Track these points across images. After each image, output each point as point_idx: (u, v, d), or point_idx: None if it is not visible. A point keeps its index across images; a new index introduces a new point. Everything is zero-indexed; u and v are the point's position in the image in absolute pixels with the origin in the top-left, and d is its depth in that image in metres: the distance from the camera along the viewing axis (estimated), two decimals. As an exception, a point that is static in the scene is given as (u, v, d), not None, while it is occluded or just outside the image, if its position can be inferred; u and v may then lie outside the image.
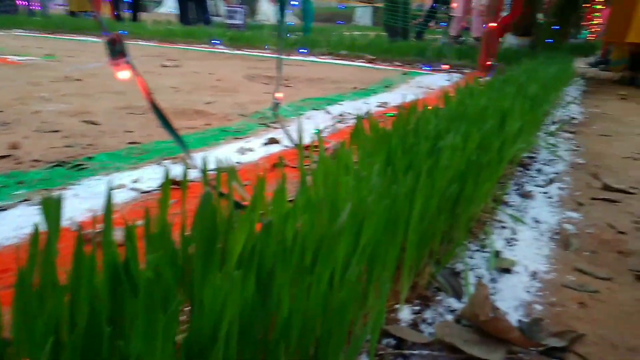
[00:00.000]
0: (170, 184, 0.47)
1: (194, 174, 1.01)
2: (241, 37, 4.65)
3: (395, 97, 2.18)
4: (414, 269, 0.59)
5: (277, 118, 1.60)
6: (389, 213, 0.47)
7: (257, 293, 0.31)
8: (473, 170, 0.68)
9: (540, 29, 3.48)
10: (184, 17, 6.47)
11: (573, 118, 1.93)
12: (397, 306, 0.57)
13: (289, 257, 0.33)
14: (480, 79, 2.99)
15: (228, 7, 6.63)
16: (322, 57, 3.96)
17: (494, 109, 1.03)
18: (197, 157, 1.12)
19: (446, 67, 3.42)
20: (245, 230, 0.36)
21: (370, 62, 3.72)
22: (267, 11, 10.41)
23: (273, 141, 1.35)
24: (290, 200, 0.52)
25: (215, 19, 7.70)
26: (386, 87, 2.54)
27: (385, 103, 2.02)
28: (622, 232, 0.87)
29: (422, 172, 0.59)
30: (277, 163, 1.16)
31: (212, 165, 0.96)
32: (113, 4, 6.90)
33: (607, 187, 1.11)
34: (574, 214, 0.94)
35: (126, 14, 7.55)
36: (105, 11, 7.14)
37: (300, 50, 4.05)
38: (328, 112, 1.79)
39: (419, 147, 0.69)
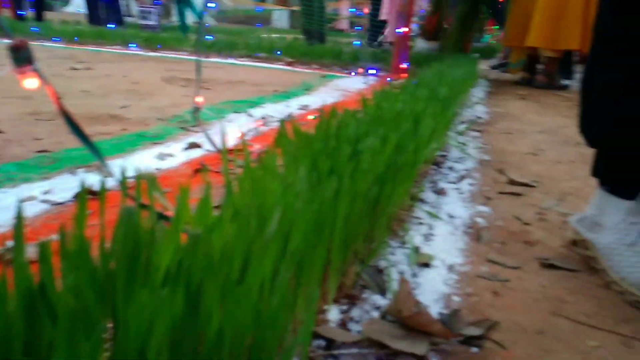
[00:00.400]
0: (86, 195, 0.45)
1: (110, 183, 0.96)
2: (156, 39, 4.48)
3: (315, 100, 2.21)
4: (340, 270, 0.61)
5: (198, 122, 1.56)
6: (316, 218, 0.48)
7: (186, 309, 0.30)
8: (392, 171, 0.71)
9: (447, 34, 3.68)
10: (93, 17, 6.12)
11: (479, 117, 2.06)
12: (325, 307, 0.58)
13: (217, 269, 0.32)
14: (395, 82, 3.11)
15: (141, 7, 6.36)
16: (241, 59, 3.92)
17: (408, 112, 1.08)
18: (113, 164, 1.06)
19: (362, 70, 3.51)
20: (171, 243, 0.36)
21: (289, 64, 3.74)
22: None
23: (194, 145, 1.32)
24: (217, 207, 0.51)
25: (127, 19, 7.36)
26: (306, 90, 2.57)
27: (306, 106, 2.04)
28: (527, 224, 0.94)
29: (345, 175, 0.60)
30: (199, 169, 1.13)
31: (130, 173, 0.92)
32: (14, 2, 6.37)
33: (512, 182, 1.20)
34: (484, 208, 1.00)
35: (30, 13, 7.01)
36: (6, 11, 6.58)
37: (217, 53, 3.98)
38: (250, 115, 1.78)
39: (340, 151, 0.71)
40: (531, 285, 0.70)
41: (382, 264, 0.69)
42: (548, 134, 1.81)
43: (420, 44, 3.88)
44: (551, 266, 0.76)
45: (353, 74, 3.44)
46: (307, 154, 0.70)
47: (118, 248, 0.33)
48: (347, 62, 3.72)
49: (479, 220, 0.94)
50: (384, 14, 4.24)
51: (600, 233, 0.75)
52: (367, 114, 1.01)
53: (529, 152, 1.53)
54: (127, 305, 0.29)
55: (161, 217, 0.50)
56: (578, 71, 3.70)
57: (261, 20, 16.26)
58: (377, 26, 4.49)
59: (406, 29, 3.10)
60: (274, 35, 8.00)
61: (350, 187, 0.59)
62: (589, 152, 0.82)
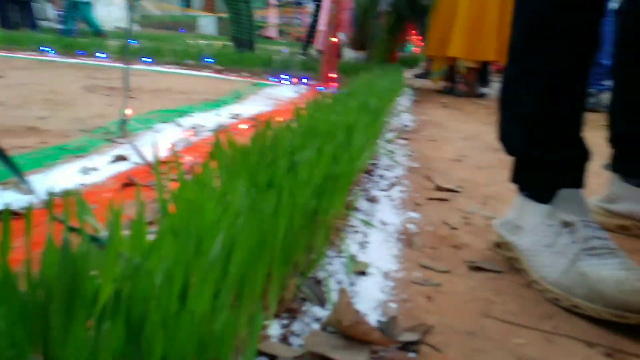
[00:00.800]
0: (9, 216, 0.42)
1: (30, 201, 0.90)
2: (75, 44, 4.26)
3: (246, 109, 2.20)
4: (280, 284, 0.61)
5: (124, 133, 1.50)
6: (257, 235, 0.48)
7: (127, 342, 0.29)
8: (329, 183, 0.72)
9: (374, 44, 3.79)
10: (4, 20, 5.70)
11: (406, 125, 2.14)
12: (266, 322, 0.58)
13: (158, 298, 0.31)
14: (325, 91, 3.16)
15: (58, 11, 6.01)
16: (167, 66, 3.81)
17: (342, 123, 1.10)
18: (33, 180, 1.00)
19: (294, 79, 3.53)
20: (109, 272, 0.34)
21: (218, 72, 3.69)
22: (103, 17, 9.68)
23: (120, 158, 1.26)
24: (150, 223, 0.49)
25: (43, 23, 6.93)
26: (237, 98, 2.55)
27: (238, 115, 2.02)
28: (454, 228, 0.99)
29: (284, 189, 0.61)
30: (127, 183, 1.09)
31: (53, 190, 0.87)
32: None
33: (438, 188, 1.26)
34: (415, 214, 1.05)
35: None
36: None
37: (143, 59, 3.85)
38: (179, 125, 1.73)
39: (278, 164, 0.71)
40: (461, 288, 0.74)
41: (321, 274, 0.70)
42: (470, 140, 1.92)
43: (349, 54, 3.97)
44: (478, 268, 0.81)
45: (284, 82, 3.45)
46: (244, 167, 0.69)
47: (51, 278, 0.32)
48: (277, 70, 3.73)
49: (410, 226, 0.97)
50: (321, 25, 4.30)
51: (521, 235, 0.81)
52: (302, 126, 1.02)
53: (454, 159, 1.61)
54: (65, 342, 0.27)
55: (93, 240, 0.48)
56: (495, 80, 3.95)
57: (187, 27, 15.93)
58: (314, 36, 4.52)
59: (334, 39, 3.16)
60: (201, 42, 7.85)
61: (290, 201, 0.59)
62: (508, 158, 0.88)
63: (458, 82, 3.49)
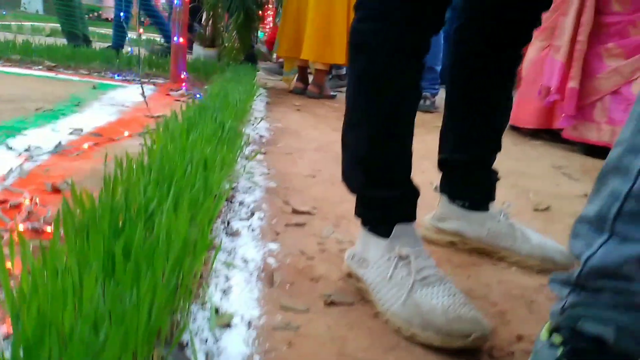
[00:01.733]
0: None
1: None
2: None
3: (88, 120, 2.04)
4: (145, 361, 0.60)
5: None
6: (122, 335, 0.48)
7: None
8: (189, 244, 0.73)
9: (224, 41, 3.75)
10: None
11: (262, 136, 2.18)
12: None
13: None
14: (175, 92, 3.05)
15: None
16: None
17: (198, 157, 1.10)
18: None
19: (142, 80, 3.34)
20: None
21: (51, 69, 3.32)
22: None
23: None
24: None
25: None
26: (76, 105, 2.34)
27: (80, 130, 1.86)
28: (310, 258, 1.06)
29: (142, 267, 0.60)
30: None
31: None
32: None
33: (295, 211, 1.32)
34: (274, 245, 1.09)
35: None
36: None
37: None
38: (10, 148, 1.55)
39: (134, 229, 0.69)
40: (319, 328, 0.80)
41: (185, 337, 0.71)
42: (323, 151, 2.02)
43: (198, 51, 3.87)
44: (333, 303, 0.88)
45: (127, 81, 3.24)
46: (96, 238, 0.66)
47: None
48: (121, 68, 3.49)
49: (271, 260, 1.02)
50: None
51: (367, 269, 0.90)
52: (155, 168, 1.00)
53: (309, 174, 1.70)
54: None
55: None
56: (344, 82, 4.18)
57: (7, 6, 13.93)
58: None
59: (181, 40, 3.06)
60: (26, 24, 6.96)
61: (151, 278, 0.59)
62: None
63: (309, 84, 3.62)
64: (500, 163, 1.20)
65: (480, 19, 1.09)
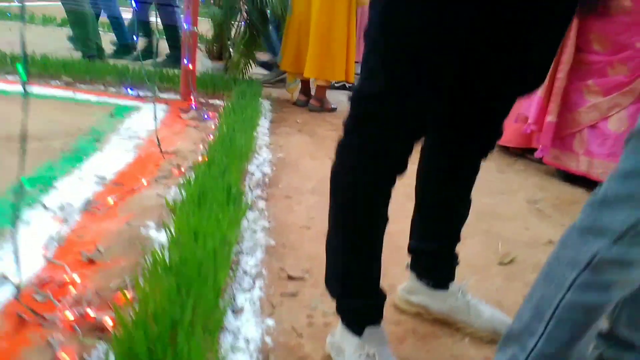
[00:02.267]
0: None
1: None
2: None
3: (109, 163, 2.27)
4: None
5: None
6: None
7: None
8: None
9: (230, 54, 3.92)
10: None
11: (265, 174, 2.41)
12: None
13: None
14: (186, 114, 3.26)
15: None
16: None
17: (210, 246, 1.34)
18: None
19: (155, 98, 3.53)
20: None
21: (68, 87, 3.52)
22: None
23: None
24: None
25: None
26: (97, 140, 2.57)
27: (103, 178, 2.10)
28: (300, 334, 1.31)
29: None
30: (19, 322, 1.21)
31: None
32: None
33: (289, 277, 1.57)
34: (270, 322, 1.34)
35: None
36: None
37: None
38: (45, 207, 1.80)
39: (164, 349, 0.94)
40: (302, 414, 1.06)
41: None
42: (318, 194, 2.25)
43: (206, 63, 4.04)
44: (315, 386, 1.14)
45: (140, 98, 3.44)
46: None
47: None
48: (134, 83, 3.68)
49: (268, 340, 1.27)
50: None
51: (342, 358, 1.16)
52: (173, 268, 1.24)
53: (304, 225, 1.94)
54: None
55: None
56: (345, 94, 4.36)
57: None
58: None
59: (191, 66, 3.25)
60: (36, 28, 7.08)
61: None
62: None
63: (311, 98, 3.82)
64: (479, 200, 1.36)
65: (447, 139, 1.29)
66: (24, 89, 1.18)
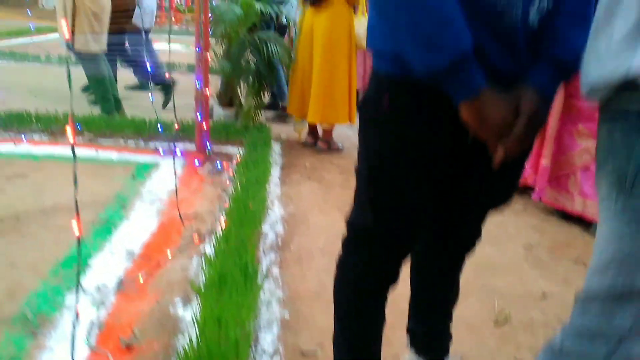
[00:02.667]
0: None
1: None
2: None
3: (135, 234, 2.48)
4: None
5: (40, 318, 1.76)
6: None
7: None
8: None
9: (240, 102, 4.14)
10: None
11: (278, 234, 2.61)
12: None
13: None
14: (202, 169, 3.46)
15: None
16: (16, 138, 3.74)
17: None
18: None
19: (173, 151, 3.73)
20: None
21: (89, 144, 3.74)
22: None
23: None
24: None
25: None
26: (122, 207, 2.79)
27: (132, 252, 2.32)
28: (314, 415, 1.51)
29: None
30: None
31: None
32: None
33: (302, 354, 1.76)
34: (288, 403, 1.54)
35: None
36: None
37: None
38: (84, 290, 2.01)
39: None
40: None
41: None
42: (328, 255, 2.43)
43: (217, 111, 4.26)
44: None
45: (159, 152, 3.66)
46: None
47: None
48: (151, 135, 3.90)
49: (286, 423, 1.47)
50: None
51: None
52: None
53: (315, 291, 2.13)
54: None
55: None
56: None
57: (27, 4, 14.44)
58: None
59: (204, 123, 3.47)
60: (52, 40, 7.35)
61: None
62: None
63: (318, 140, 4.02)
64: (477, 250, 1.46)
65: (431, 244, 1.47)
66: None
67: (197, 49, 3.26)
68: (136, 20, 4.56)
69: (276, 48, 3.70)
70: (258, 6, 3.73)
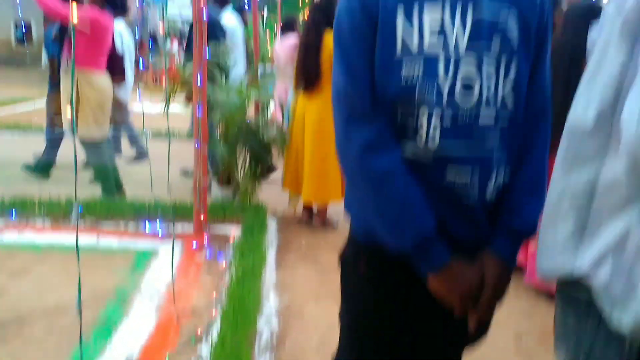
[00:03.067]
0: None
1: None
2: None
3: (134, 333, 2.54)
4: None
5: None
6: None
7: None
8: None
9: (238, 182, 4.28)
10: None
11: (272, 330, 2.67)
12: None
13: None
14: (200, 254, 3.55)
15: None
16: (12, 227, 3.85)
17: None
18: None
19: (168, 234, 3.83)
20: None
21: (88, 231, 3.83)
22: None
23: None
24: None
25: None
26: (122, 302, 2.86)
27: (131, 358, 2.38)
28: None
29: None
30: None
31: None
32: None
33: None
34: None
35: None
36: None
37: None
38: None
39: None
40: None
41: None
42: (322, 354, 2.50)
43: (215, 191, 4.40)
44: None
45: (158, 236, 3.76)
46: None
47: None
48: (149, 216, 4.01)
49: None
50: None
51: None
52: None
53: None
54: None
55: None
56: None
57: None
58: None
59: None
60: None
61: None
62: None
63: (314, 216, 4.14)
64: None
65: None
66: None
67: (196, 145, 3.42)
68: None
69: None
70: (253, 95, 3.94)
